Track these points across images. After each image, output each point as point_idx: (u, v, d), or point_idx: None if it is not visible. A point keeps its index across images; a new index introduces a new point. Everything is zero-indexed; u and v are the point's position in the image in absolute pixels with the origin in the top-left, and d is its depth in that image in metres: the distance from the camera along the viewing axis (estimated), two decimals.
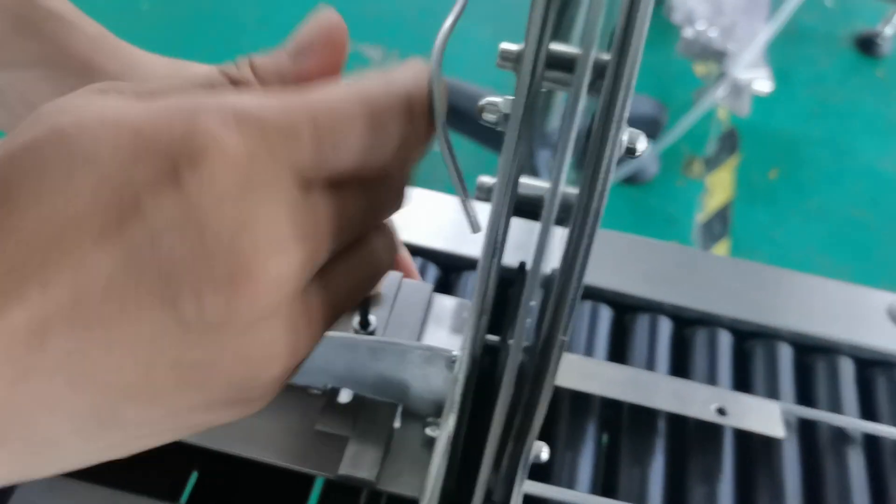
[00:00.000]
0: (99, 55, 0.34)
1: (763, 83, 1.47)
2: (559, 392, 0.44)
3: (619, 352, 0.48)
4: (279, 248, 0.20)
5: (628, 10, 0.22)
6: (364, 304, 0.38)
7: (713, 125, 1.73)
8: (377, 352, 0.36)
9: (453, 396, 0.29)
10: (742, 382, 0.47)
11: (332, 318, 0.24)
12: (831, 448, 0.44)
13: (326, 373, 0.38)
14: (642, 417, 0.44)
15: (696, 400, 0.42)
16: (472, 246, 0.49)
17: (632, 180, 1.60)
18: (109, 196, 0.18)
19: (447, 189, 0.26)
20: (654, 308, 0.49)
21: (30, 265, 0.18)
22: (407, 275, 0.41)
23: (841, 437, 0.44)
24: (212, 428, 0.23)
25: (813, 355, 0.48)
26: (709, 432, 0.43)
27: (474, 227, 0.27)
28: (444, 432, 0.30)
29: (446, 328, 0.41)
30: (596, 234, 0.24)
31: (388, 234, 0.27)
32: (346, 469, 0.37)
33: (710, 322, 0.49)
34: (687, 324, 0.49)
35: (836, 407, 0.46)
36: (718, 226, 1.58)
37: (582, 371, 0.43)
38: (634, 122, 1.58)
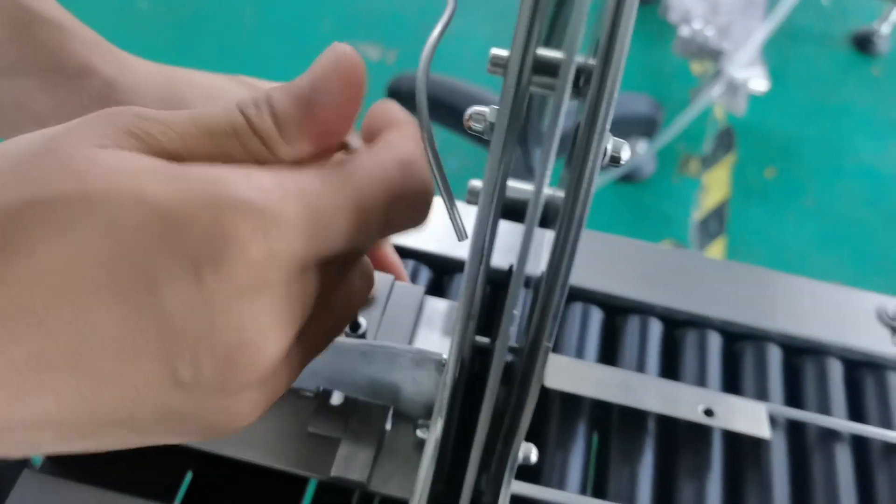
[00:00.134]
0: (94, 58, 0.34)
1: (759, 82, 1.47)
2: (550, 393, 0.44)
3: (609, 353, 0.48)
4: (276, 330, 0.21)
5: (612, 17, 0.23)
6: None
7: (710, 124, 1.73)
8: (368, 355, 0.37)
9: (441, 400, 0.29)
10: (732, 383, 0.47)
11: (307, 362, 0.26)
12: (819, 448, 0.44)
13: (319, 375, 0.39)
14: (632, 418, 0.44)
15: (684, 401, 0.43)
16: (464, 249, 0.49)
17: (628, 178, 1.60)
18: (126, 269, 0.19)
19: (439, 192, 0.27)
20: (644, 310, 0.49)
21: (33, 307, 0.18)
22: (396, 277, 0.41)
23: (829, 437, 0.45)
24: None
25: (802, 357, 0.49)
26: (698, 433, 0.44)
27: (460, 235, 0.27)
28: (432, 435, 0.30)
29: (438, 331, 0.41)
30: (579, 241, 0.25)
31: (364, 266, 0.28)
32: (337, 471, 0.37)
33: (700, 324, 0.49)
34: (677, 325, 0.49)
35: (824, 408, 0.46)
36: (715, 224, 1.58)
37: (572, 373, 0.44)
38: (631, 121, 1.56)
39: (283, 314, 0.22)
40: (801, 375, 0.48)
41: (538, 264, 0.35)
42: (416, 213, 0.26)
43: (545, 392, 0.43)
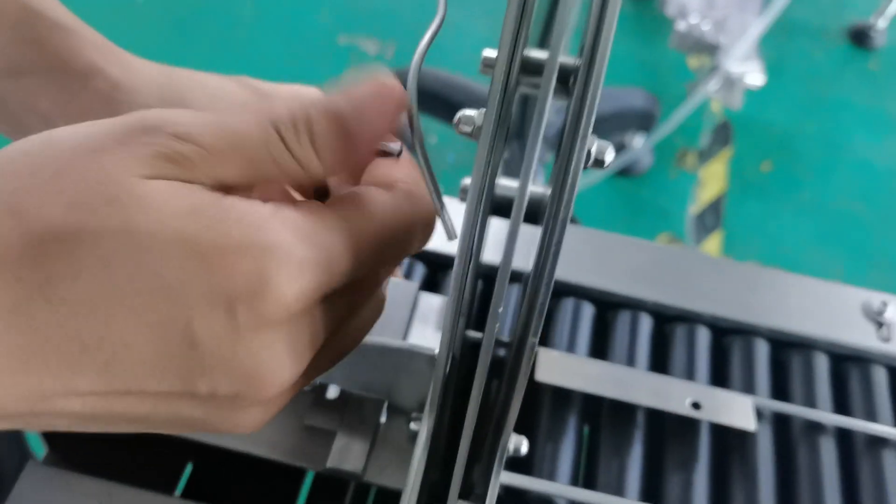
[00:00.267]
0: (99, 59, 0.35)
1: (755, 76, 1.48)
2: (541, 386, 0.45)
3: (601, 347, 0.49)
4: (291, 359, 0.23)
5: (597, 19, 0.23)
6: None
7: (706, 118, 1.74)
8: (363, 350, 0.38)
9: (433, 395, 0.30)
10: (720, 377, 0.49)
11: (311, 382, 0.27)
12: (804, 441, 0.45)
13: None
14: (622, 411, 0.45)
15: (673, 395, 0.44)
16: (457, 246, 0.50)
17: (625, 173, 1.61)
18: (164, 301, 0.21)
19: (430, 194, 0.28)
20: (635, 305, 0.50)
21: (75, 325, 0.20)
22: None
23: (814, 429, 0.46)
24: None
25: (789, 351, 0.50)
26: (686, 425, 0.45)
27: (450, 235, 0.28)
28: (424, 428, 0.31)
29: (432, 326, 0.42)
30: (563, 240, 0.26)
31: (377, 298, 0.29)
32: (333, 462, 0.38)
33: (689, 319, 0.50)
34: (667, 320, 0.50)
35: (810, 401, 0.47)
36: (711, 218, 1.59)
37: (563, 367, 0.45)
38: (628, 115, 1.56)
39: (299, 346, 0.23)
40: (788, 369, 0.49)
41: (530, 260, 0.36)
42: (424, 238, 0.28)
43: (537, 385, 0.44)
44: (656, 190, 1.62)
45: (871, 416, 0.47)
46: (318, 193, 0.32)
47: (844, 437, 0.46)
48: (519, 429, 0.43)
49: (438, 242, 0.28)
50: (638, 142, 1.57)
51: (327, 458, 0.38)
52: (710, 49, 1.51)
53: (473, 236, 0.26)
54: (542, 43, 0.27)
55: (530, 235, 0.31)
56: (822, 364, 0.49)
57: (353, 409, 0.40)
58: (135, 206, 0.21)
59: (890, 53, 1.91)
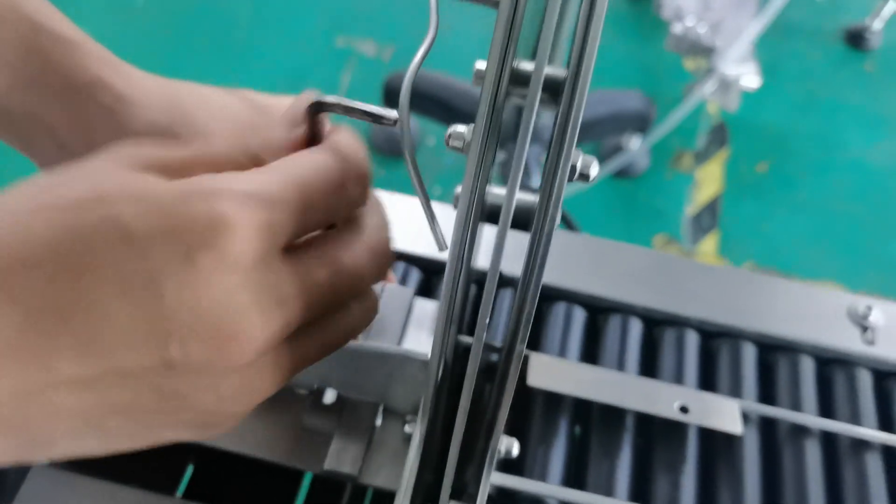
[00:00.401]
0: (104, 73, 0.36)
1: (751, 79, 1.49)
2: (533, 390, 0.46)
3: (592, 351, 0.51)
4: (258, 314, 0.24)
5: (583, 31, 0.24)
6: None
7: (703, 119, 1.75)
8: (358, 356, 0.39)
9: (426, 399, 0.31)
10: (708, 380, 0.50)
11: (299, 369, 0.28)
12: (790, 443, 0.47)
13: (312, 374, 0.41)
14: (611, 415, 0.46)
15: (661, 399, 0.45)
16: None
17: (622, 174, 1.62)
18: (127, 258, 0.22)
19: (422, 207, 0.29)
20: (625, 309, 0.51)
21: (54, 314, 0.21)
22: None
23: (799, 433, 0.47)
24: None
25: (775, 354, 0.51)
26: (674, 429, 0.46)
27: (440, 246, 0.29)
28: (417, 431, 0.32)
29: (427, 331, 0.43)
30: (553, 250, 0.27)
31: (369, 301, 0.30)
32: (330, 464, 0.39)
33: (678, 323, 0.51)
34: (656, 324, 0.52)
35: (796, 404, 0.48)
36: (708, 219, 1.60)
37: (554, 372, 0.46)
38: (624, 117, 1.57)
39: (263, 298, 0.24)
40: (774, 372, 0.50)
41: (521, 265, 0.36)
42: (358, 183, 0.29)
43: (529, 389, 0.45)
44: (653, 191, 1.63)
45: (856, 418, 0.48)
46: None
47: (829, 441, 0.47)
48: (511, 431, 0.44)
49: (432, 249, 0.29)
50: (635, 143, 1.58)
51: (325, 460, 0.39)
52: (706, 51, 1.52)
53: (463, 247, 0.27)
54: (535, 55, 0.28)
55: (522, 241, 0.32)
56: (807, 367, 0.50)
57: (350, 413, 0.41)
58: (100, 171, 0.23)
59: (885, 55, 1.92)
